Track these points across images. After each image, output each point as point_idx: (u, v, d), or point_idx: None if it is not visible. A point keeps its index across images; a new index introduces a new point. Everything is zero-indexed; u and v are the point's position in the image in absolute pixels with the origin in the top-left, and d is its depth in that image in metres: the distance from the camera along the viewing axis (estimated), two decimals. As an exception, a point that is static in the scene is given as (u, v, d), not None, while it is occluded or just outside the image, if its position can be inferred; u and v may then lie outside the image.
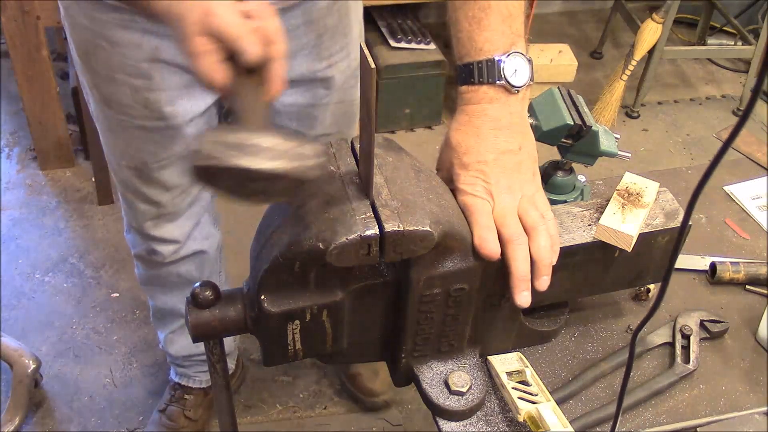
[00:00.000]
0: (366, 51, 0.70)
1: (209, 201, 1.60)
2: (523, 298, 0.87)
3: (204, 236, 1.63)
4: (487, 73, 0.92)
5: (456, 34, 0.96)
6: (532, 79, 0.94)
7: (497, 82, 0.91)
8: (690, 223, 1.00)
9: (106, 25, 1.22)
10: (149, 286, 1.75)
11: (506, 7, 0.93)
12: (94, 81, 1.32)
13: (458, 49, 0.95)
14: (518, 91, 0.93)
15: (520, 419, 0.90)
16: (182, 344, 1.79)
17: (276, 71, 0.79)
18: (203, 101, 1.35)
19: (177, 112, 1.33)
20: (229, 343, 1.96)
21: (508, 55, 0.92)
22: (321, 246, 0.75)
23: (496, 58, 0.92)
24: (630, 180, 1.02)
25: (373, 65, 0.69)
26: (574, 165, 1.19)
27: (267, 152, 0.69)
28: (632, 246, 0.94)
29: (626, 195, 0.99)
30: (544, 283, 0.88)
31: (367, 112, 0.74)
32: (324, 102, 1.41)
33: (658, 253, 1.01)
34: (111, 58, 1.26)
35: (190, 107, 1.33)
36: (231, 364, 2.03)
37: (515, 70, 0.92)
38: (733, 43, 3.56)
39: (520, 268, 0.86)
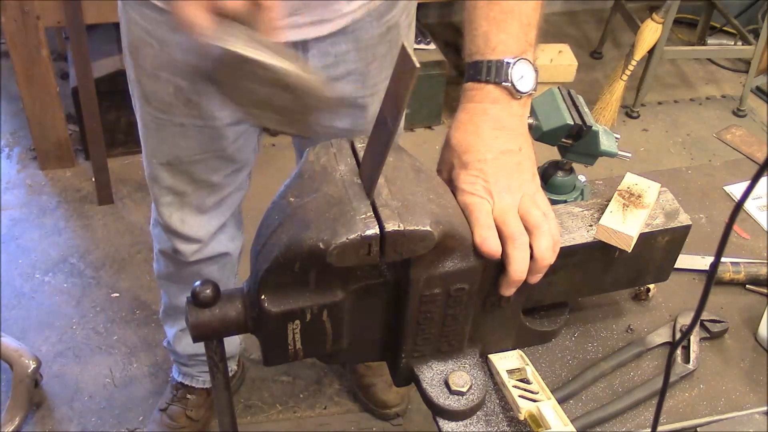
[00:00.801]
0: (410, 49, 0.70)
1: (237, 204, 1.60)
2: (509, 292, 0.89)
3: (229, 239, 1.64)
4: (495, 72, 0.93)
5: (472, 32, 0.97)
6: (535, 89, 0.95)
7: (503, 83, 0.93)
8: (689, 223, 1.00)
9: (156, 24, 1.24)
10: (167, 282, 1.75)
11: (526, 16, 0.95)
12: (138, 76, 1.33)
13: (470, 47, 0.97)
14: (521, 97, 0.94)
15: (521, 418, 0.90)
16: (190, 342, 1.79)
17: (264, 20, 0.81)
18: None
19: (217, 115, 1.34)
20: (235, 345, 1.96)
21: (517, 61, 0.93)
22: (321, 246, 0.75)
23: (506, 60, 0.93)
24: (631, 181, 1.02)
25: (417, 64, 0.69)
26: (574, 165, 1.19)
27: (271, 50, 0.76)
28: (632, 247, 0.94)
29: (627, 195, 0.99)
30: (537, 279, 0.89)
31: (396, 112, 0.74)
32: (362, 129, 1.41)
33: (658, 253, 1.01)
34: (158, 56, 1.27)
35: (231, 112, 1.34)
36: (233, 366, 2.03)
37: (522, 76, 0.93)
38: (733, 43, 3.56)
39: (517, 269, 0.86)
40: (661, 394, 0.71)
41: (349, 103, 1.38)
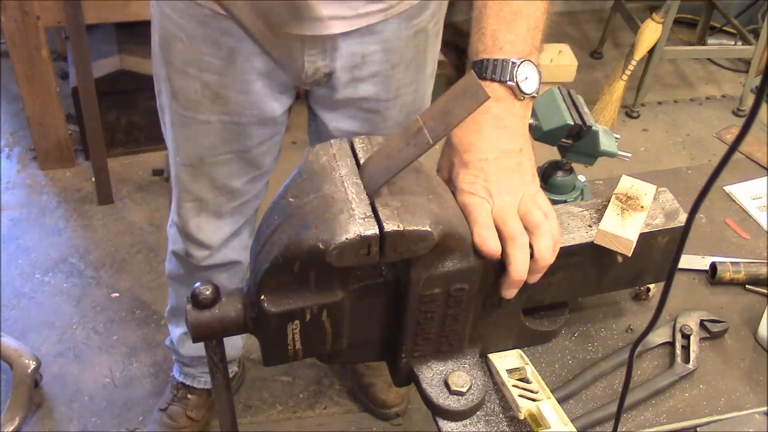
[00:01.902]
0: (477, 79, 0.76)
1: (252, 212, 1.60)
2: (510, 294, 0.89)
3: (242, 247, 1.64)
4: (501, 71, 0.93)
5: (480, 30, 0.97)
6: (538, 92, 0.96)
7: (508, 82, 0.93)
8: (690, 223, 1.00)
9: (187, 19, 1.24)
10: (176, 284, 1.76)
11: (534, 20, 0.97)
12: (168, 72, 1.33)
13: (477, 46, 0.97)
14: (524, 98, 0.94)
15: (521, 417, 0.90)
16: (194, 345, 1.79)
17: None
18: (271, 107, 1.35)
19: (244, 112, 1.34)
20: (237, 349, 1.95)
21: (523, 62, 0.94)
22: (321, 246, 0.75)
23: (512, 60, 0.94)
24: (628, 183, 1.02)
25: (488, 95, 0.75)
26: (574, 165, 1.19)
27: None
28: (632, 251, 0.94)
29: (625, 199, 0.99)
30: (536, 278, 0.89)
31: (443, 129, 0.76)
32: (383, 132, 1.40)
33: (658, 253, 1.01)
34: (187, 51, 1.28)
35: (258, 109, 1.34)
36: (234, 367, 2.03)
37: (526, 77, 0.94)
38: (733, 43, 3.56)
39: (517, 269, 0.86)
40: (622, 396, 0.71)
41: (370, 107, 1.38)
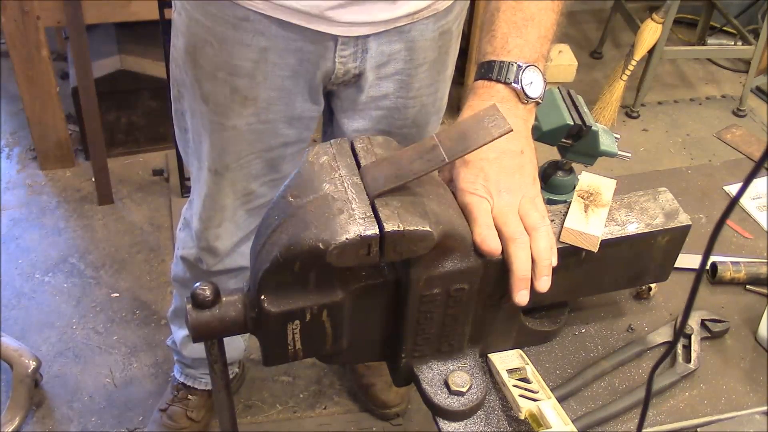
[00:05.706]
0: (501, 112, 0.79)
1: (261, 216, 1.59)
2: (521, 297, 0.88)
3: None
4: (506, 72, 0.95)
5: (490, 33, 0.99)
6: (542, 98, 0.97)
7: (513, 84, 0.94)
8: (689, 223, 1.00)
9: (218, 22, 1.23)
10: (183, 286, 1.74)
11: (545, 29, 0.99)
12: (197, 77, 1.32)
13: (486, 48, 0.99)
14: (528, 102, 0.95)
15: (522, 417, 0.90)
16: (196, 347, 1.78)
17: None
18: (300, 106, 1.34)
19: (272, 108, 1.33)
20: (239, 351, 1.95)
21: (528, 66, 0.95)
22: (321, 246, 0.75)
23: (518, 63, 0.95)
24: (588, 180, 1.02)
25: (512, 128, 0.79)
26: (574, 165, 1.19)
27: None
28: (597, 247, 0.94)
29: (587, 195, 0.99)
30: (544, 283, 0.88)
31: (460, 151, 0.78)
32: (400, 133, 1.41)
33: (658, 253, 1.01)
34: (217, 55, 1.27)
35: (286, 106, 1.33)
36: (234, 368, 2.03)
37: (531, 81, 0.95)
38: (733, 43, 3.56)
39: (520, 267, 0.86)
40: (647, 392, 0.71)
41: (390, 105, 1.37)
